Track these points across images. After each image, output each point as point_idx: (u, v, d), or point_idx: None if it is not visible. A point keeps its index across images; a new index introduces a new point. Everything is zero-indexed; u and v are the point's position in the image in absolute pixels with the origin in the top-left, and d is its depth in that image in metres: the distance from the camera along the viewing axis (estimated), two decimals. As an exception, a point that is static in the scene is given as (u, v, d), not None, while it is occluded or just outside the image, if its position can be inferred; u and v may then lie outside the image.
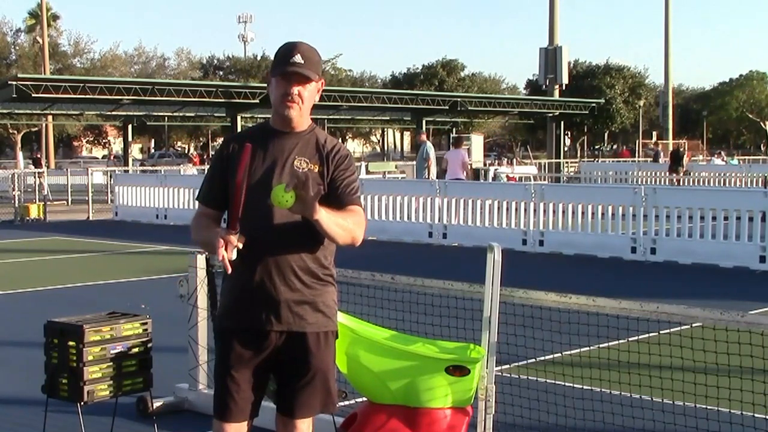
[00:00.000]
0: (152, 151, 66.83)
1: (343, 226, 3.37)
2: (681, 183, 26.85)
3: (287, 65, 3.40)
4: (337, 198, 3.45)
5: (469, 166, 21.23)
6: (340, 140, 3.66)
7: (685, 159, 30.80)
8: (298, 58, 3.40)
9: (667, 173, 28.52)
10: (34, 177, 28.87)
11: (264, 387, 3.58)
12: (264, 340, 3.45)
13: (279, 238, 3.41)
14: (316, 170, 3.45)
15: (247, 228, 3.37)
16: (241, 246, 3.30)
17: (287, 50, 3.44)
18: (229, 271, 3.33)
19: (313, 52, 3.48)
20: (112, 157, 47.61)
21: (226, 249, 3.26)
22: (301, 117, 3.49)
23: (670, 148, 55.10)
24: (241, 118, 35.63)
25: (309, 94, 3.47)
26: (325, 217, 3.27)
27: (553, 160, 41.47)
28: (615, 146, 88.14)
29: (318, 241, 3.46)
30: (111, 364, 4.65)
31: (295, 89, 3.42)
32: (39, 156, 48.08)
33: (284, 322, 3.44)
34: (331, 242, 3.49)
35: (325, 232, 3.33)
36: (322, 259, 3.50)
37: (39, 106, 35.81)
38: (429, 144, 22.17)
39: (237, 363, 3.47)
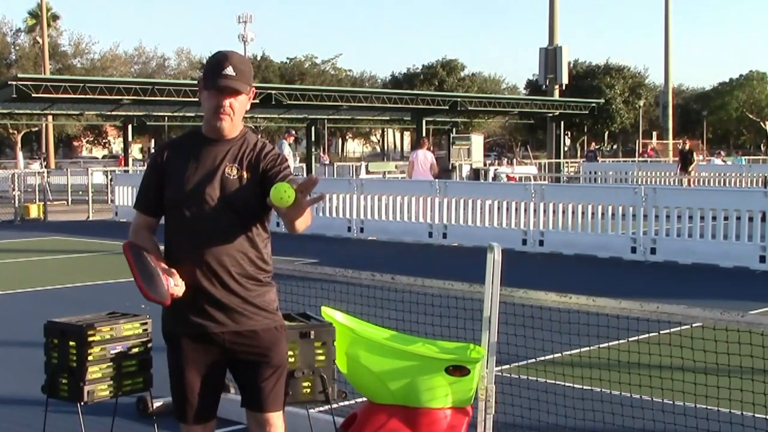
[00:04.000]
0: (152, 150, 66.97)
1: (308, 219, 3.43)
2: (693, 183, 26.67)
3: (220, 78, 3.43)
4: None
5: (437, 167, 20.80)
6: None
7: (695, 156, 29.99)
8: (230, 71, 3.43)
9: (678, 173, 28.21)
10: (40, 177, 28.84)
11: (221, 387, 3.66)
12: (213, 342, 3.52)
13: (216, 246, 3.47)
14: (246, 176, 3.51)
15: (185, 236, 3.48)
16: (179, 282, 3.45)
17: (219, 62, 3.47)
18: (185, 293, 3.47)
19: (244, 63, 3.53)
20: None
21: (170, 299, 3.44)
22: (232, 127, 3.54)
23: (671, 149, 55.20)
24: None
25: (240, 105, 3.51)
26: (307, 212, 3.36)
27: (553, 160, 41.46)
28: (615, 146, 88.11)
29: (255, 246, 3.54)
30: (111, 364, 4.65)
31: (227, 102, 3.47)
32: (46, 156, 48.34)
33: (232, 323, 3.51)
34: (268, 245, 3.58)
35: (299, 222, 3.36)
36: (259, 263, 3.56)
37: (39, 106, 35.74)
38: (285, 143, 21.52)
39: (190, 366, 3.53)
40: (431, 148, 21.20)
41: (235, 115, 3.51)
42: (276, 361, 3.58)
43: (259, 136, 3.74)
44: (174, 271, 3.46)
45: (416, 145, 23.07)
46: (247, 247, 3.52)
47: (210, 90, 3.47)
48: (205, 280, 3.47)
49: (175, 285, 3.44)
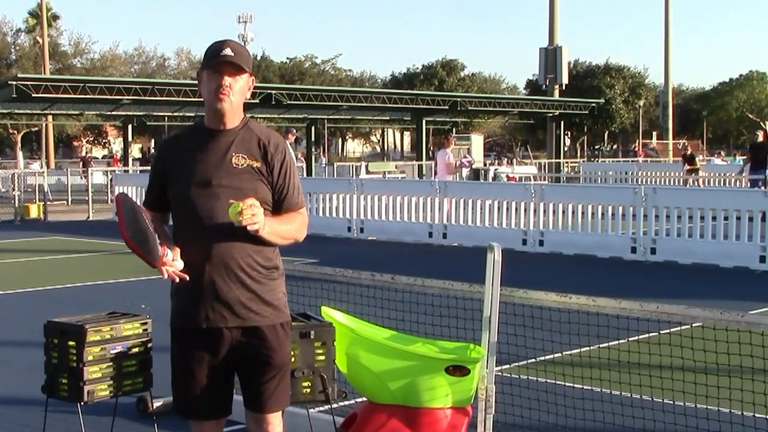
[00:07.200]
0: (152, 151, 67.01)
1: (284, 235, 3.52)
2: (698, 183, 26.73)
3: (219, 57, 3.45)
4: (283, 203, 3.54)
5: (454, 167, 20.93)
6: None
7: (698, 159, 30.74)
8: (228, 51, 3.46)
9: (685, 174, 28.23)
10: (83, 177, 28.90)
11: (230, 383, 3.61)
12: (220, 338, 3.50)
13: (225, 238, 3.46)
14: (255, 165, 3.50)
15: (194, 229, 3.46)
16: (179, 258, 3.46)
17: (217, 46, 3.50)
18: (186, 279, 3.46)
19: (242, 48, 3.55)
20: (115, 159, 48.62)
21: (168, 272, 3.45)
22: (233, 111, 3.52)
23: (671, 149, 55.18)
24: (241, 117, 35.43)
25: (240, 87, 3.51)
26: (267, 232, 3.41)
27: (553, 160, 41.46)
28: (615, 146, 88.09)
29: (263, 239, 3.52)
30: (111, 364, 4.64)
31: (227, 80, 3.46)
32: (89, 157, 48.59)
33: (238, 318, 3.49)
34: None
35: (269, 242, 3.48)
36: (268, 254, 3.56)
37: (39, 106, 35.75)
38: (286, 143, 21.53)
39: (197, 363, 3.51)
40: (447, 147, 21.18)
41: (236, 97, 3.49)
42: (279, 362, 3.55)
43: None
44: (177, 248, 3.45)
45: (441, 144, 23.10)
46: (255, 239, 3.47)
47: (209, 70, 3.47)
48: (216, 275, 3.45)
49: (174, 260, 3.42)
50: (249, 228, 3.32)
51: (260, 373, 3.53)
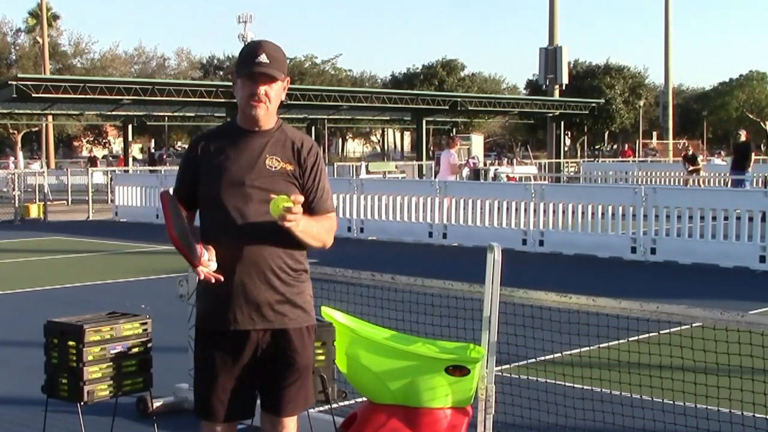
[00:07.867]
0: (153, 150, 67.06)
1: (316, 236, 3.46)
2: (698, 183, 26.79)
3: (253, 65, 3.40)
4: (312, 206, 3.49)
5: (458, 168, 21.02)
6: (309, 135, 3.70)
7: (699, 159, 31.03)
8: (263, 58, 3.41)
9: (686, 174, 28.32)
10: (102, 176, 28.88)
11: (253, 386, 3.56)
12: (246, 340, 3.46)
13: (255, 239, 3.42)
14: (289, 169, 3.47)
15: (224, 229, 3.42)
16: (214, 259, 3.39)
17: (252, 50, 3.45)
18: (221, 280, 3.40)
19: (278, 50, 3.49)
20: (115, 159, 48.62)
21: (204, 273, 3.39)
22: (267, 116, 3.50)
23: (671, 148, 55.20)
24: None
25: (275, 93, 3.48)
26: (301, 231, 3.36)
27: (553, 160, 41.45)
28: (615, 146, 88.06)
29: (292, 240, 3.46)
30: (111, 364, 4.64)
31: (262, 89, 3.43)
32: (94, 156, 48.50)
33: (266, 321, 3.45)
34: None
35: (299, 240, 3.42)
36: (297, 256, 3.52)
37: (39, 106, 35.78)
38: None
39: (222, 366, 3.47)
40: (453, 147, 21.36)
41: (271, 104, 3.46)
42: (302, 365, 3.51)
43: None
44: (212, 249, 3.38)
45: (446, 144, 23.20)
46: (288, 240, 3.43)
47: (243, 78, 3.43)
48: (246, 276, 3.41)
49: (209, 260, 3.36)
50: (286, 224, 3.27)
51: (282, 376, 3.48)
